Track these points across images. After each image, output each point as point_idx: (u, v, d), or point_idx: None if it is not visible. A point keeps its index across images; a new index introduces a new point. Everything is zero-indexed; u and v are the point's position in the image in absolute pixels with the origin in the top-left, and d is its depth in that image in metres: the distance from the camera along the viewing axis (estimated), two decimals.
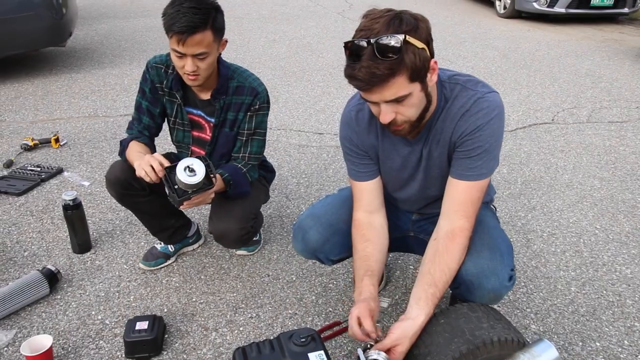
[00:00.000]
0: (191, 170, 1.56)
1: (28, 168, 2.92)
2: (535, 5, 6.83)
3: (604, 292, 2.02)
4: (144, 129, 1.93)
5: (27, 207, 2.56)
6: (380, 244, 1.50)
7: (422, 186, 1.52)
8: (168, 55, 1.85)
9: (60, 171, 2.91)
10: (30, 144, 3.17)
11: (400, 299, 1.97)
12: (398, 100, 1.21)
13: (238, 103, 1.87)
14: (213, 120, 1.90)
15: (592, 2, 6.69)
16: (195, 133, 1.97)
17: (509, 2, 7.23)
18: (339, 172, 2.96)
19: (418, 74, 1.19)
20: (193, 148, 2.00)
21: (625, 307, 1.94)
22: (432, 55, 1.23)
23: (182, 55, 1.64)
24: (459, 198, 1.38)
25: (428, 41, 1.21)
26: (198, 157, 1.61)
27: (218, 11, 1.68)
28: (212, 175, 1.63)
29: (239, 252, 2.22)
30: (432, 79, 1.26)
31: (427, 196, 1.56)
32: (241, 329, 1.82)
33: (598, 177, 2.95)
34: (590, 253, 2.27)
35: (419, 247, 1.67)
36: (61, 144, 3.24)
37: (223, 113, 1.88)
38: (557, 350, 1.13)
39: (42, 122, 3.60)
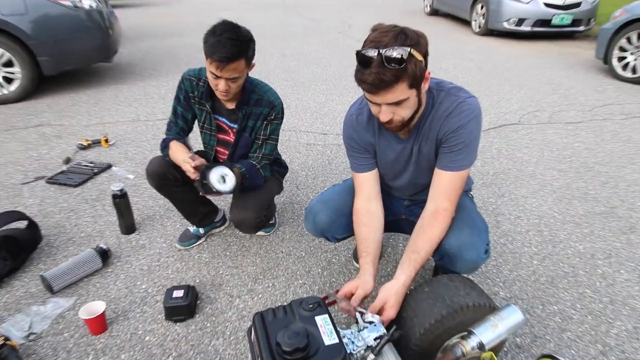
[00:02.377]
0: (224, 181, 1.61)
1: (83, 164, 2.93)
2: (505, 25, 6.75)
3: (561, 264, 2.02)
4: (180, 131, 1.93)
5: (83, 197, 2.58)
6: (376, 227, 1.49)
7: (413, 176, 1.52)
8: (200, 69, 1.84)
9: (109, 166, 2.93)
10: (85, 144, 3.18)
11: (392, 271, 1.97)
12: (397, 103, 1.21)
13: (257, 113, 1.85)
14: (235, 126, 1.89)
15: (552, 22, 6.60)
16: (221, 136, 1.96)
17: (483, 22, 7.14)
18: (340, 166, 2.95)
19: (416, 82, 1.19)
20: (217, 148, 1.99)
21: (578, 277, 1.94)
22: (426, 67, 1.23)
23: (217, 77, 1.64)
24: (443, 185, 1.38)
25: (425, 55, 1.21)
26: (234, 168, 1.62)
27: (252, 41, 1.67)
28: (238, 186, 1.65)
29: (258, 233, 2.23)
30: (424, 86, 1.27)
31: (417, 184, 1.56)
32: (260, 296, 1.83)
33: (557, 169, 2.93)
34: (549, 232, 2.26)
35: (410, 228, 1.67)
36: (110, 143, 3.25)
37: (245, 121, 1.86)
38: (522, 313, 1.13)
39: (94, 126, 3.61)
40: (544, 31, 6.74)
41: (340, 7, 10.35)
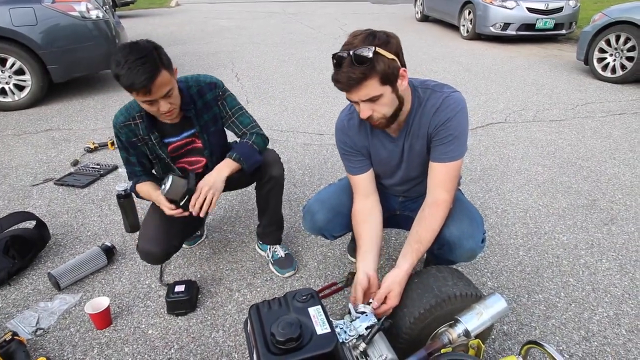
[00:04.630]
0: (164, 185, 1.51)
1: (90, 166, 2.91)
2: (492, 29, 6.72)
3: (545, 255, 2.00)
4: (140, 174, 1.71)
5: (90, 197, 2.56)
6: (376, 224, 1.47)
7: (406, 172, 1.51)
8: (127, 109, 1.61)
9: (115, 168, 2.90)
10: (92, 147, 3.16)
11: (385, 264, 1.95)
12: (372, 100, 1.22)
13: (207, 102, 1.65)
14: (193, 130, 1.67)
15: (536, 26, 6.57)
16: (189, 147, 1.72)
17: (470, 27, 7.12)
18: (335, 165, 2.93)
19: (388, 79, 1.20)
20: (190, 159, 1.75)
21: (562, 267, 1.92)
22: (402, 65, 1.23)
23: (152, 102, 1.43)
24: (439, 176, 1.36)
25: (398, 53, 1.21)
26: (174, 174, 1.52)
27: (158, 49, 1.42)
28: (188, 182, 1.51)
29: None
30: (402, 84, 1.26)
31: (410, 179, 1.54)
32: (258, 289, 1.81)
33: (541, 164, 2.91)
34: (534, 224, 2.24)
35: (405, 222, 1.66)
36: (116, 146, 3.23)
37: (200, 117, 1.64)
38: (506, 301, 1.11)
39: (101, 130, 3.59)
40: (528, 35, 6.72)
41: (338, 15, 10.32)
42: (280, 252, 1.92)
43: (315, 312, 1.06)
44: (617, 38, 4.55)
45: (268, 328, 1.01)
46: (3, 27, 3.77)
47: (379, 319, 1.17)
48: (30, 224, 2.10)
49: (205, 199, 1.50)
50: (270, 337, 0.97)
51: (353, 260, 1.97)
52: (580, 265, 1.93)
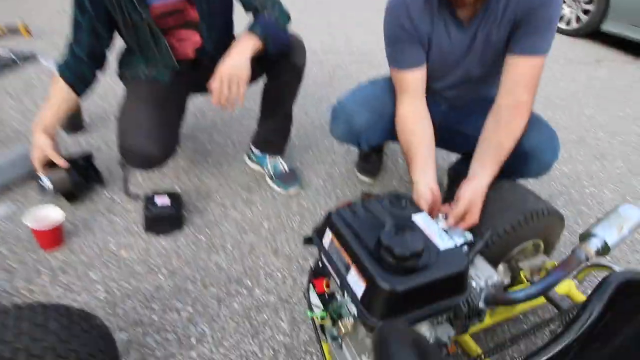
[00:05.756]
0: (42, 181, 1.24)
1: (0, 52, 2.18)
2: None
3: (553, 184, 1.89)
4: (74, 55, 1.21)
5: (5, 88, 1.90)
6: (429, 131, 1.18)
7: (467, 70, 1.22)
8: None
9: (33, 56, 2.21)
10: None
11: (398, 185, 1.69)
12: None
13: None
14: None
15: None
16: (177, 19, 1.25)
17: None
18: (342, 82, 2.53)
19: None
20: (179, 34, 1.28)
21: (571, 196, 1.82)
22: None
23: None
24: (521, 73, 1.09)
25: None
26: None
27: None
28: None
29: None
30: None
31: (467, 80, 1.25)
32: (259, 207, 1.45)
33: None
34: None
35: (448, 138, 1.38)
36: (31, 34, 2.47)
37: None
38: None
39: (7, 12, 2.74)
40: None
41: None
42: (282, 165, 1.55)
43: (423, 221, 0.75)
44: None
45: (371, 239, 0.68)
46: None
47: (474, 235, 0.91)
48: None
49: (229, 91, 1.08)
50: (384, 251, 0.65)
51: (363, 179, 1.68)
52: (586, 195, 1.85)
